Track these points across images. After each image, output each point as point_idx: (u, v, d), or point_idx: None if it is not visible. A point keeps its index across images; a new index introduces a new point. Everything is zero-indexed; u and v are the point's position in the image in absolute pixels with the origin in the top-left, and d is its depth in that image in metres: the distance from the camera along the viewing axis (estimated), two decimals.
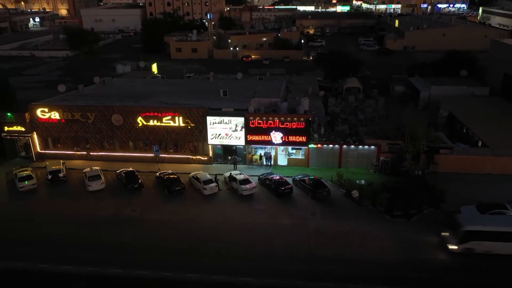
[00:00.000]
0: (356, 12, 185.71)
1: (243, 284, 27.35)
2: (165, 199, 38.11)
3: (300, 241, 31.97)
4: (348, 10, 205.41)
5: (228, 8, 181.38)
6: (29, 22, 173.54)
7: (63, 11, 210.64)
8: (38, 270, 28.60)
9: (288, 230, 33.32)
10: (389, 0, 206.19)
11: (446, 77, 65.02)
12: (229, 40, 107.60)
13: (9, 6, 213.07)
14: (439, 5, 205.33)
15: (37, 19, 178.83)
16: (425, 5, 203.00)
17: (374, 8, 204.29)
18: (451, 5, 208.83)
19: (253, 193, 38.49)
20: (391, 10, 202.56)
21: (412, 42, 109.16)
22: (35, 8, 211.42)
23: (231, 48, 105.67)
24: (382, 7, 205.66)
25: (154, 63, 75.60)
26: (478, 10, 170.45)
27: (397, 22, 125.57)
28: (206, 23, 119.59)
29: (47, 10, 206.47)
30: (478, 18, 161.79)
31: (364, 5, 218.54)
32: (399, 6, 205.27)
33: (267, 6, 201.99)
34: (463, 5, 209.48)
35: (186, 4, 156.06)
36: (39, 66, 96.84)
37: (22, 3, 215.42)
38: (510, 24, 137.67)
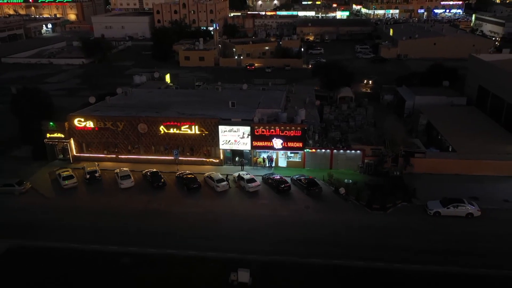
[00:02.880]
0: (354, 20, 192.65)
1: (250, 260, 34.98)
2: (185, 195, 45.93)
3: (295, 228, 39.64)
4: (347, 16, 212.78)
5: (232, 15, 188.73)
6: (42, 28, 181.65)
7: (72, 16, 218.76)
8: (90, 250, 36.45)
9: (286, 220, 41.08)
10: (387, 5, 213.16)
11: (430, 87, 72.30)
12: (234, 49, 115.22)
13: (20, 11, 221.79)
14: (436, 11, 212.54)
15: (49, 25, 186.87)
16: (422, 10, 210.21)
17: (372, 13, 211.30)
18: (447, 10, 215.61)
19: (257, 190, 46.21)
20: (389, 15, 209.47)
21: (405, 51, 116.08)
22: (45, 13, 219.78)
23: (236, 57, 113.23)
24: (380, 12, 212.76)
25: (167, 73, 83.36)
26: (473, 16, 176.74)
27: (391, 30, 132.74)
28: (212, 31, 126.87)
29: (56, 15, 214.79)
30: (471, 25, 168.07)
31: (363, 10, 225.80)
32: (397, 11, 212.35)
33: (269, 11, 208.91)
34: (459, 11, 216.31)
35: (192, 12, 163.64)
36: (58, 74, 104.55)
37: (33, 8, 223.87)
38: (500, 32, 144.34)
